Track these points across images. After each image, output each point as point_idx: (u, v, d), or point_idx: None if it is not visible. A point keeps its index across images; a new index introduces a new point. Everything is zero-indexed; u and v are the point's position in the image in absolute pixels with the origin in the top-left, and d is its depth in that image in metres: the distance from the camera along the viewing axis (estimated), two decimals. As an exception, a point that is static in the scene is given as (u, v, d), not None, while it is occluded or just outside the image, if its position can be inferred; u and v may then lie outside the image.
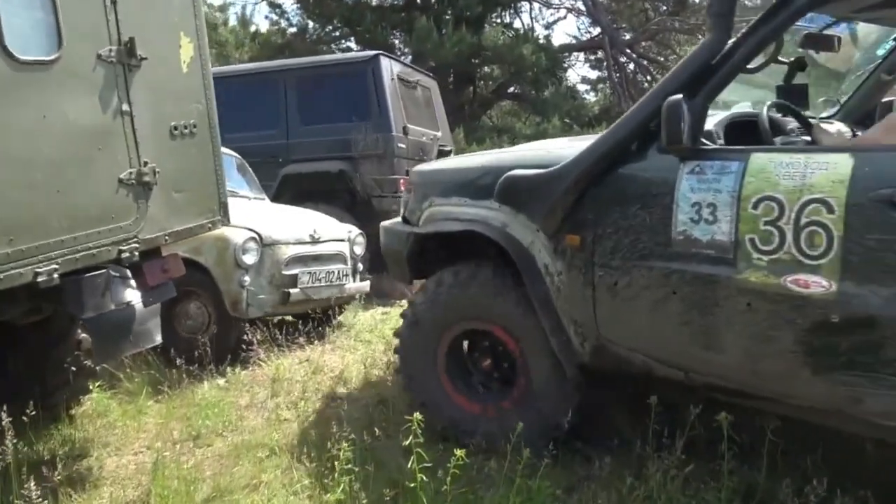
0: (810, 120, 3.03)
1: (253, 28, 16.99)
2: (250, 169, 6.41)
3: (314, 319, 5.33)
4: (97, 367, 3.67)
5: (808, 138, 2.94)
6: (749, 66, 2.66)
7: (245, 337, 4.68)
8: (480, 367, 3.32)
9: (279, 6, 17.10)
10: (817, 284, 2.32)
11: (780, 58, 2.97)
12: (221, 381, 4.48)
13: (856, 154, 2.29)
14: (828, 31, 3.12)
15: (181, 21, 3.20)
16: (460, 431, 3.23)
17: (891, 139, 2.43)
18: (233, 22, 16.83)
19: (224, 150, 6.00)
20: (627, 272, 2.74)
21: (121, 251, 2.92)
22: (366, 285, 5.47)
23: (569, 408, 3.04)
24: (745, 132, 2.82)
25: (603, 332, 2.88)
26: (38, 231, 2.63)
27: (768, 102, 2.85)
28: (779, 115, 3.03)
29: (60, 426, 3.69)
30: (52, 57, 2.64)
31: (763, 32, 2.51)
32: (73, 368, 3.49)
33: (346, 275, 5.40)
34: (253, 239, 4.75)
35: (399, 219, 3.67)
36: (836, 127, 3.16)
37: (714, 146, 2.60)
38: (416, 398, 3.39)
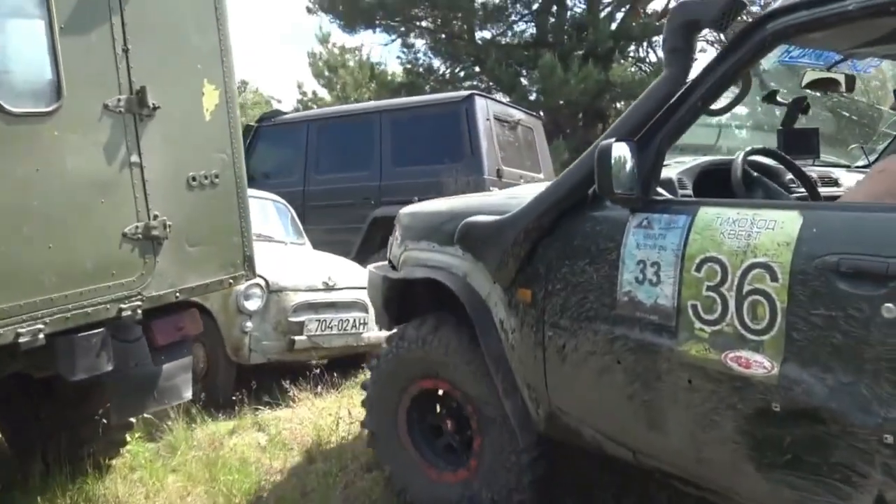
0: (808, 171, 2.61)
1: (381, 68, 17.36)
2: (293, 213, 6.49)
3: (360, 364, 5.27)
4: (133, 420, 3.57)
5: (804, 192, 2.54)
6: (713, 108, 2.33)
7: (286, 386, 4.73)
8: (446, 432, 3.08)
9: (412, 45, 17.35)
10: (759, 365, 1.96)
11: (778, 98, 2.60)
12: (262, 439, 4.30)
13: (804, 212, 1.92)
14: (848, 67, 2.69)
15: (205, 67, 3.08)
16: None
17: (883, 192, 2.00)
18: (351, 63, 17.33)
19: (266, 194, 6.23)
20: (574, 334, 2.45)
21: (121, 310, 2.77)
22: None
23: (525, 483, 2.76)
24: (721, 182, 2.47)
25: (553, 398, 2.59)
26: (23, 288, 2.49)
27: (747, 148, 2.49)
28: (776, 165, 2.64)
29: (89, 479, 3.55)
30: (50, 108, 2.56)
31: (724, 69, 2.18)
32: (104, 421, 3.39)
33: (365, 323, 5.24)
34: (258, 285, 4.73)
35: (386, 262, 3.53)
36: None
37: (664, 197, 2.29)
38: (382, 462, 3.21)
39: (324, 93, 17.52)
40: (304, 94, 17.66)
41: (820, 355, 1.84)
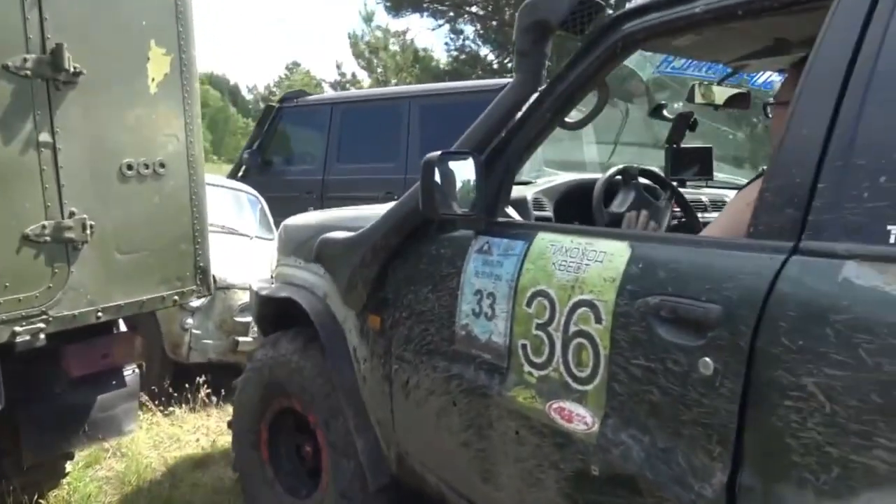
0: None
1: (424, 53, 16.80)
2: (265, 205, 6.04)
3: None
4: (73, 450, 2.99)
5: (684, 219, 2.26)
6: (567, 121, 2.05)
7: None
8: (302, 456, 2.82)
9: (460, 31, 16.58)
10: (580, 420, 1.69)
11: (665, 113, 2.33)
12: (230, 477, 3.49)
13: (633, 244, 1.65)
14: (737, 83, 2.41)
15: (152, 25, 2.46)
16: None
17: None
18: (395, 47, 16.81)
19: (236, 184, 5.89)
20: (417, 369, 2.19)
21: (16, 333, 2.21)
22: None
23: None
24: (587, 204, 2.20)
25: (400, 439, 2.33)
26: None
27: (619, 166, 2.21)
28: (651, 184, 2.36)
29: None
30: None
31: (574, 76, 1.91)
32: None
33: None
34: None
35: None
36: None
37: (506, 220, 2.02)
38: (235, 467, 2.98)
39: (363, 75, 17.01)
40: (342, 74, 17.25)
41: (639, 414, 1.57)
